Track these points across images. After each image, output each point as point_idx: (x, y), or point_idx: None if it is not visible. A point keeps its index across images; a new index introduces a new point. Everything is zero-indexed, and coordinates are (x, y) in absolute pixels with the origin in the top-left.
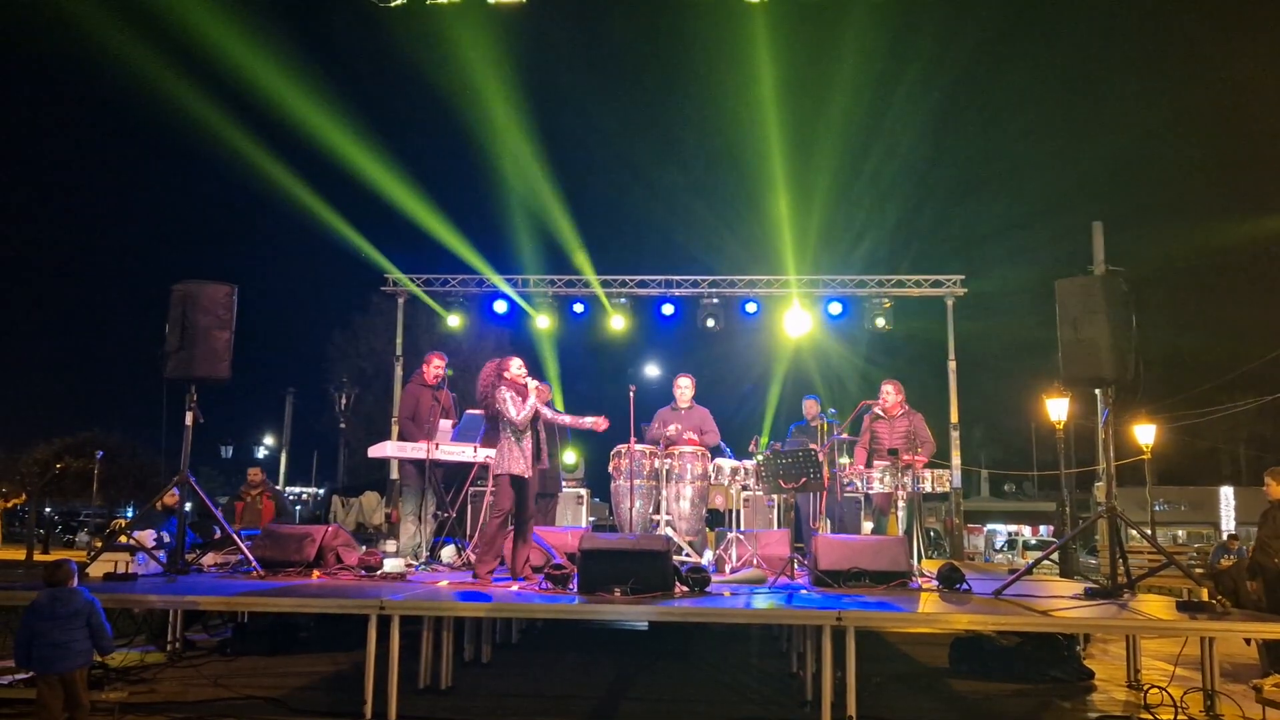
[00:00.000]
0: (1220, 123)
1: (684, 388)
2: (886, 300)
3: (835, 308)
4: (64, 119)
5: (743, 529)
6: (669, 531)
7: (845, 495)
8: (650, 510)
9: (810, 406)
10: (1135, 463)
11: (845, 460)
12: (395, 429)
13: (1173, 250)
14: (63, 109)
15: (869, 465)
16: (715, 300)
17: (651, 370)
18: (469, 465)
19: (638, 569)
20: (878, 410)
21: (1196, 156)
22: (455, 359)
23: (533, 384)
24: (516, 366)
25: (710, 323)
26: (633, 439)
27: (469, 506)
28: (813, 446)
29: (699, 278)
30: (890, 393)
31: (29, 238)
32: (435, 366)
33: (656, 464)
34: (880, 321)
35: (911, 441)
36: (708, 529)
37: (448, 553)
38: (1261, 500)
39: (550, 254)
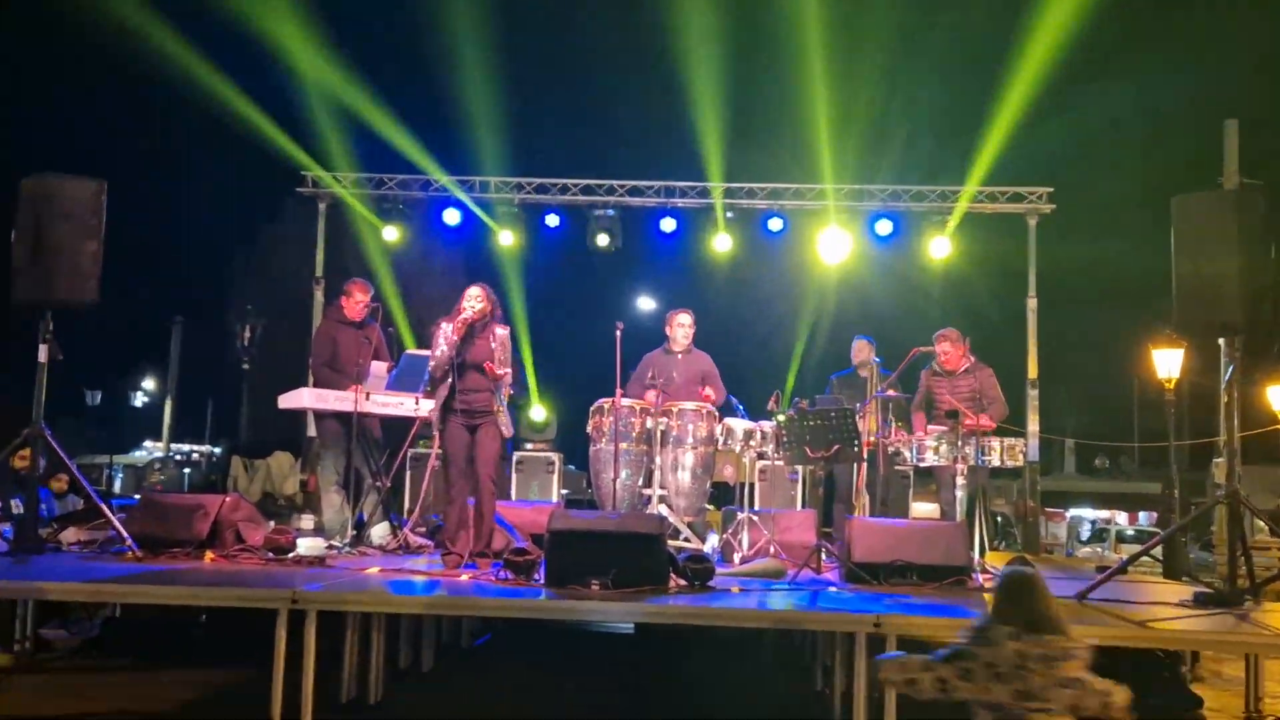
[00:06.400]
0: None
1: (683, 326)
2: (950, 217)
3: (884, 226)
4: None
5: (757, 508)
6: (663, 510)
7: (892, 468)
8: (640, 482)
9: (861, 349)
10: (1268, 434)
11: (893, 423)
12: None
13: None
14: None
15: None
16: (730, 215)
17: (645, 303)
18: (409, 421)
19: (622, 556)
20: (935, 365)
21: None
22: (396, 283)
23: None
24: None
25: (722, 244)
26: (619, 391)
27: (408, 473)
28: (851, 404)
29: (708, 185)
30: (948, 348)
31: None
32: (357, 300)
33: (649, 424)
34: (942, 245)
35: (978, 403)
36: (712, 507)
37: (379, 532)
38: None
39: (518, 151)
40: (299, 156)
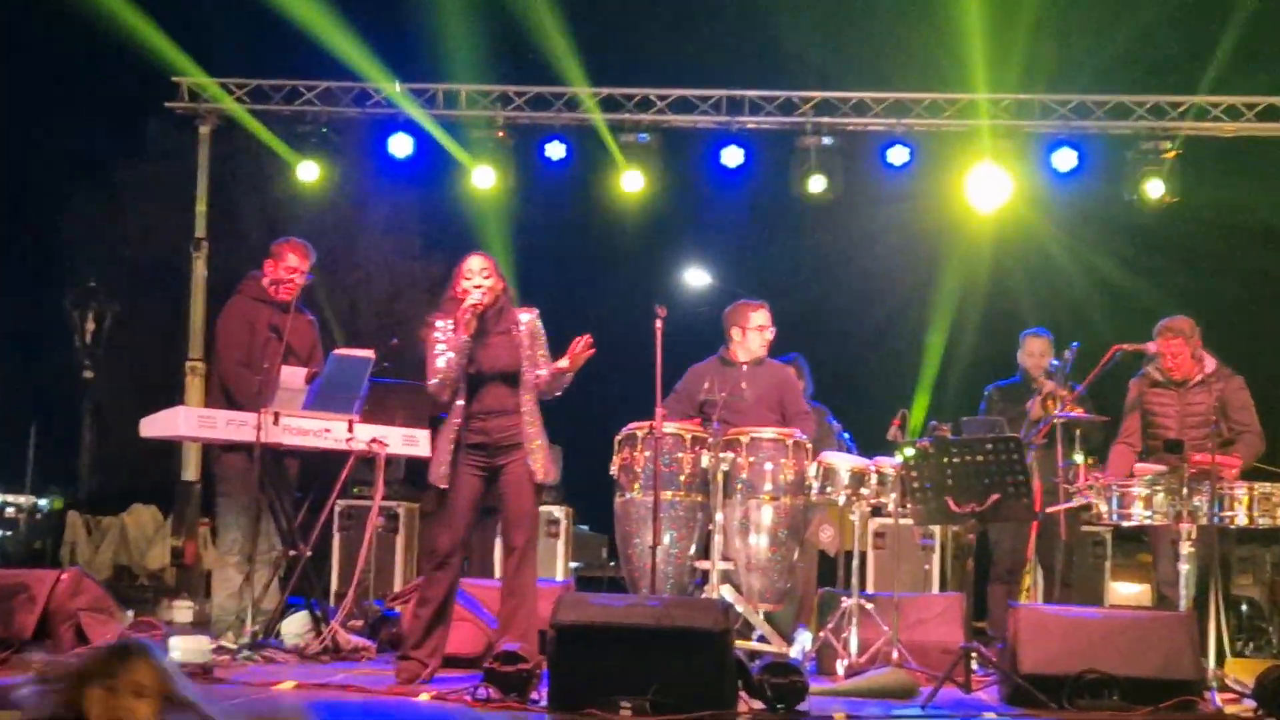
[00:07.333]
0: None
1: (763, 330)
2: (1170, 144)
3: (1066, 158)
4: None
5: (872, 591)
6: (728, 593)
7: (1079, 529)
8: (692, 551)
9: (1035, 349)
10: None
11: (1080, 459)
12: (193, 384)
13: None
14: None
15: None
16: (826, 141)
17: (696, 277)
18: (339, 457)
19: (667, 665)
20: (1154, 372)
21: None
22: (318, 246)
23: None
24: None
25: (815, 185)
26: (659, 411)
27: (336, 537)
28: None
29: (795, 95)
30: (1176, 346)
31: None
32: (291, 268)
33: (704, 461)
34: (1156, 187)
35: (1217, 431)
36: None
37: (294, 625)
38: None
39: (503, 47)
40: (169, 55)
